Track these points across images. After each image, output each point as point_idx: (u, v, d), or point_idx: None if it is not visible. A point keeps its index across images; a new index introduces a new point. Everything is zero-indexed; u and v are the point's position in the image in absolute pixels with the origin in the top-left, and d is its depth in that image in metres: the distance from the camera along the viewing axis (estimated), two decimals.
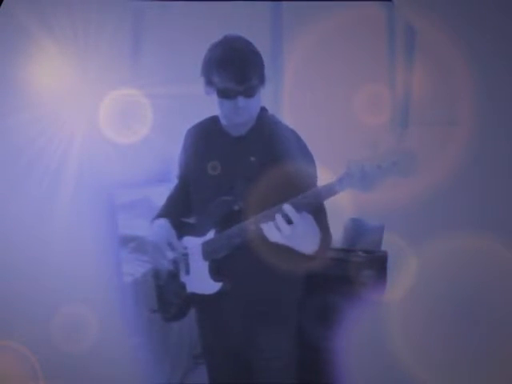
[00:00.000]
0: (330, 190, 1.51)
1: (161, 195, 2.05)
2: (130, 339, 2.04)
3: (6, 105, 1.65)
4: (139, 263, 2.73)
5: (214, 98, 1.71)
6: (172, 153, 1.97)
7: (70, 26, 1.70)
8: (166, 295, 1.97)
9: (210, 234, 1.79)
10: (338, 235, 2.81)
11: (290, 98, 3.03)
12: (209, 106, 1.77)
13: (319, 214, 1.66)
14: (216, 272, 1.80)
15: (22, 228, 1.70)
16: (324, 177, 1.63)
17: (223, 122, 1.79)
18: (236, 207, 1.73)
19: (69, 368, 1.76)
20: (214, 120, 1.84)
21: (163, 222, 1.90)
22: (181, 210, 1.95)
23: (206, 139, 1.86)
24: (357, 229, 2.85)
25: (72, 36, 1.71)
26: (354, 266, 2.43)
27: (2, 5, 1.58)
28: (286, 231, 1.54)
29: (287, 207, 1.53)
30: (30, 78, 1.66)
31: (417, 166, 1.42)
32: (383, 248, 2.62)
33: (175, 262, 1.90)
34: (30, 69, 1.65)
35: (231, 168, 1.78)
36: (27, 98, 1.67)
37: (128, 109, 1.92)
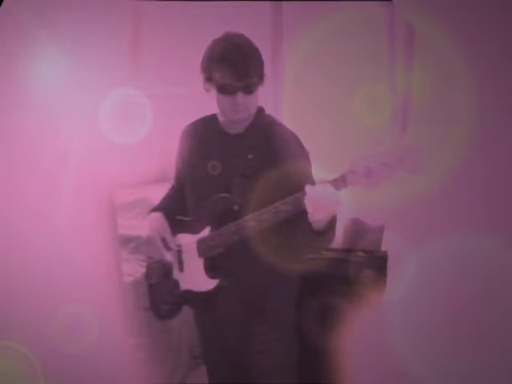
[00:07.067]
0: (334, 187, 1.51)
1: (161, 195, 2.05)
2: (130, 339, 2.04)
3: (6, 105, 1.65)
4: (139, 263, 2.73)
5: (213, 94, 1.72)
6: (172, 153, 1.97)
7: (70, 26, 1.71)
8: (159, 293, 1.96)
9: (205, 232, 1.79)
10: (338, 235, 2.80)
11: (290, 97, 3.03)
12: (209, 105, 1.78)
13: None
14: (212, 269, 1.80)
15: (22, 228, 1.70)
16: (323, 176, 1.63)
17: (221, 118, 1.80)
18: (233, 204, 1.73)
19: (69, 368, 1.76)
20: (211, 118, 1.85)
21: (158, 216, 1.88)
22: (176, 209, 1.94)
23: (204, 137, 1.86)
24: (357, 229, 2.84)
25: (72, 36, 1.71)
26: (354, 266, 2.43)
27: (2, 5, 1.58)
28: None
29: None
30: (29, 78, 1.66)
31: (423, 162, 1.41)
32: (383, 248, 2.62)
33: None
34: (30, 69, 1.65)
35: (229, 165, 1.79)
36: (27, 97, 1.67)
37: (128, 109, 1.92)
